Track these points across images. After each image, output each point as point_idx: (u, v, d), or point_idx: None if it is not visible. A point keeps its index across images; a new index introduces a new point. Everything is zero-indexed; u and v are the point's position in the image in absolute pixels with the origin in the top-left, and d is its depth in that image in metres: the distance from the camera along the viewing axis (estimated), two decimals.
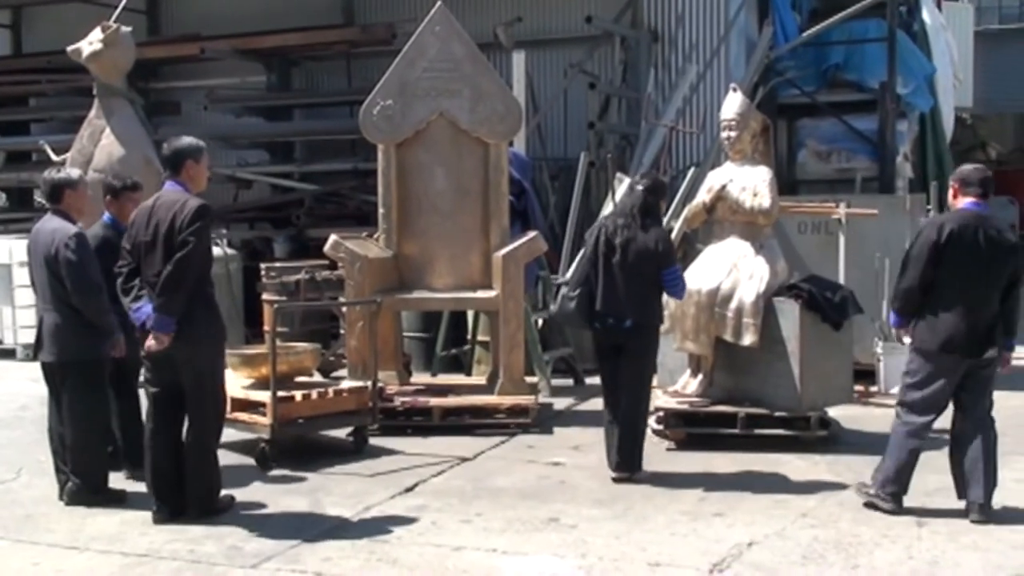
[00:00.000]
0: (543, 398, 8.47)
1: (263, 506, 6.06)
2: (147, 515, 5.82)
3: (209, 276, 5.82)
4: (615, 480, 6.43)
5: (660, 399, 7.47)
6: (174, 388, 5.77)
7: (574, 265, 6.59)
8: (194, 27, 13.82)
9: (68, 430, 6.09)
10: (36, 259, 6.16)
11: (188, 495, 5.79)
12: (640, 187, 6.61)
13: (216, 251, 9.74)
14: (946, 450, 6.99)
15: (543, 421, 7.95)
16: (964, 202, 5.82)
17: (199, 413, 5.81)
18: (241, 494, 6.22)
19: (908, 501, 5.94)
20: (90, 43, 9.78)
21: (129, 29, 9.99)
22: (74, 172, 6.41)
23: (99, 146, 9.81)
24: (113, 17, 10.07)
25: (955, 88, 15.13)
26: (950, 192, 5.98)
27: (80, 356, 6.05)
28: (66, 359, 6.06)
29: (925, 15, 12.82)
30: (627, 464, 6.44)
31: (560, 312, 6.81)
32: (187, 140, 5.96)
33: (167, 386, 5.78)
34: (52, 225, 6.12)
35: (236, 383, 7.36)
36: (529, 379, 8.22)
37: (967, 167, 6.02)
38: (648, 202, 6.54)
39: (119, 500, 6.11)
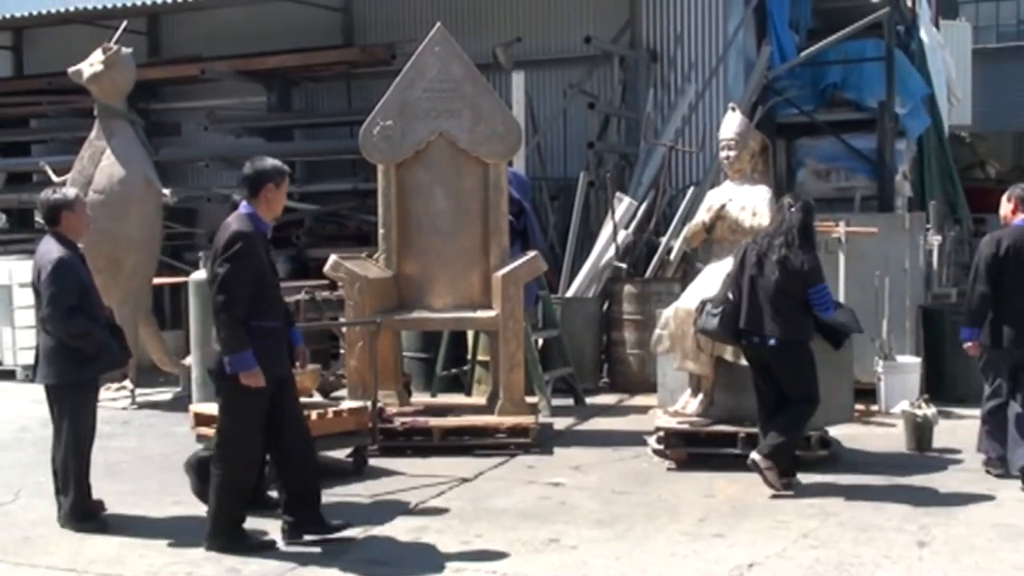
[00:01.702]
0: (543, 418, 8.45)
1: (263, 527, 6.03)
2: (146, 538, 5.81)
3: (262, 306, 5.60)
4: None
5: (660, 419, 7.47)
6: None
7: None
8: (194, 48, 13.87)
9: (57, 453, 6.11)
10: (32, 284, 6.18)
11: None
12: (796, 208, 6.67)
13: None
14: (951, 471, 7.00)
15: (543, 441, 7.93)
16: (1020, 218, 6.80)
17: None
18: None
19: (907, 524, 5.93)
20: (91, 64, 9.82)
21: (130, 50, 10.02)
22: (71, 192, 6.37)
23: (99, 167, 9.83)
24: (114, 39, 10.10)
25: (953, 106, 15.20)
26: (1008, 207, 6.88)
27: (65, 379, 6.03)
28: (53, 382, 6.06)
29: (922, 34, 12.88)
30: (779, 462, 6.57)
31: (702, 327, 6.88)
32: (271, 162, 5.78)
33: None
34: (42, 249, 6.12)
35: None
36: (529, 399, 8.21)
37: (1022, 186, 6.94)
38: (806, 223, 6.65)
39: (103, 527, 6.03)
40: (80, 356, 5.98)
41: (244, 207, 5.73)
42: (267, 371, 5.56)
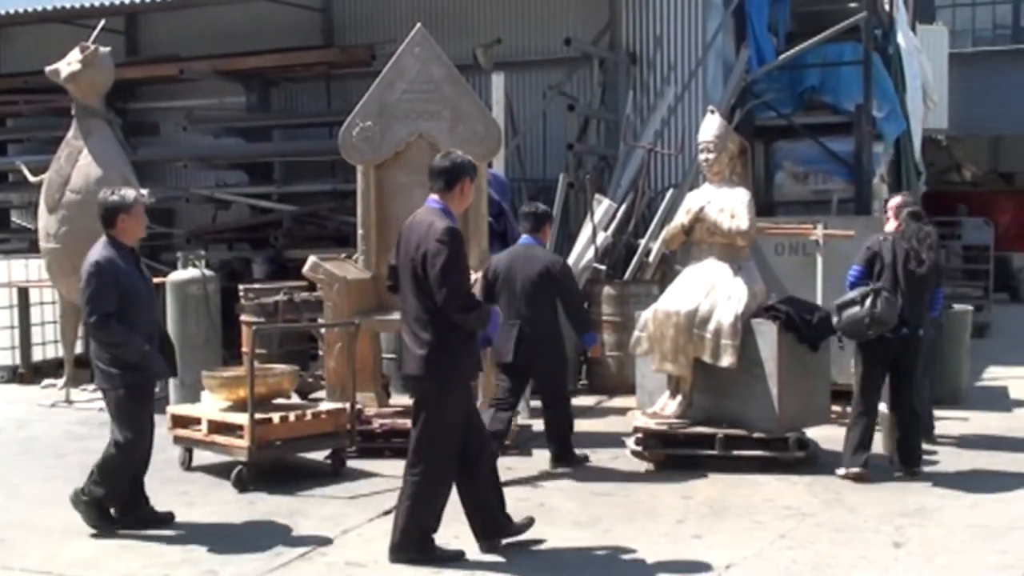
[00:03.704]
0: (522, 420, 8.45)
1: (240, 529, 6.02)
2: (123, 540, 5.78)
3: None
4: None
5: (639, 420, 7.48)
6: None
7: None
8: (173, 48, 13.82)
9: (105, 450, 5.98)
10: None
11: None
12: (919, 214, 7.28)
13: (194, 272, 9.77)
14: (927, 472, 7.06)
15: (522, 443, 7.93)
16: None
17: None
18: (218, 517, 6.18)
19: (883, 524, 5.97)
20: (68, 63, 9.77)
21: (108, 50, 9.98)
22: (129, 194, 6.02)
23: (76, 167, 9.78)
24: (92, 38, 10.05)
25: (930, 110, 15.30)
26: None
27: (106, 384, 5.88)
28: (102, 386, 5.94)
29: (900, 38, 12.95)
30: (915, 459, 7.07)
31: (884, 312, 6.89)
32: (466, 157, 5.56)
33: None
34: (89, 252, 5.92)
35: (213, 405, 7.32)
36: None
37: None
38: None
39: (106, 528, 5.93)
40: (121, 364, 5.80)
41: (435, 201, 5.41)
42: (473, 369, 5.48)
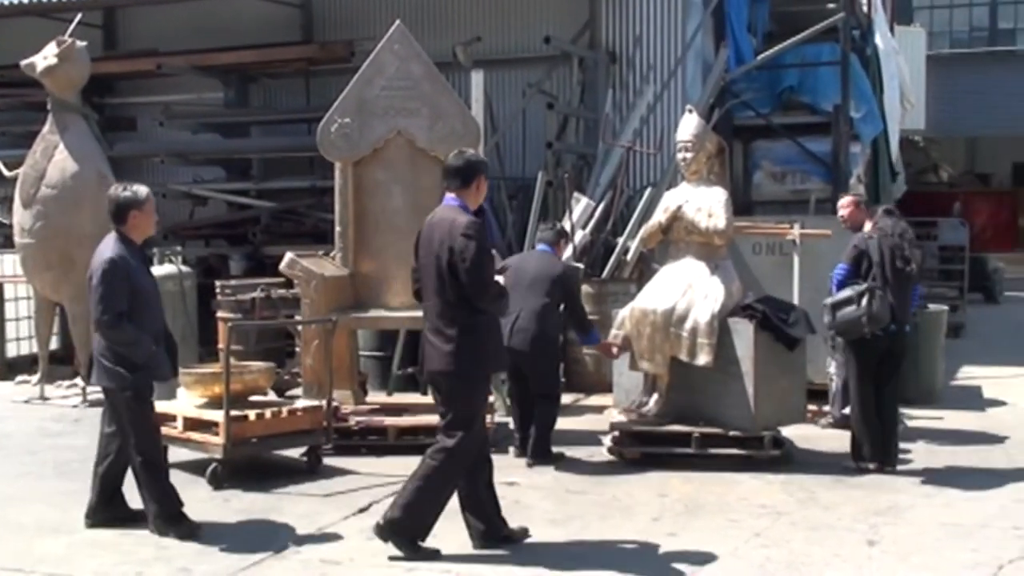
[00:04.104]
0: (498, 417, 8.45)
1: (215, 527, 5.99)
2: (96, 538, 5.74)
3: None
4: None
5: (615, 418, 7.50)
6: None
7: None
8: (151, 43, 13.73)
9: (117, 455, 5.89)
10: None
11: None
12: (891, 210, 7.52)
13: (171, 268, 9.72)
14: (900, 471, 7.12)
15: (498, 441, 7.91)
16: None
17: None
18: (192, 515, 6.14)
19: (856, 523, 6.00)
20: (44, 57, 9.70)
21: (84, 44, 9.91)
22: (141, 191, 5.90)
23: (52, 162, 9.72)
24: (68, 31, 9.98)
25: (907, 111, 15.39)
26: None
27: (113, 383, 5.76)
28: (105, 384, 5.83)
29: (877, 39, 13.02)
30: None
31: (879, 310, 6.99)
32: (479, 155, 5.85)
33: None
34: (99, 248, 5.82)
35: (189, 402, 7.28)
36: None
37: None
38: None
39: (192, 531, 5.83)
40: (129, 364, 5.70)
41: (452, 199, 5.51)
42: (498, 362, 5.70)
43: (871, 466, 7.10)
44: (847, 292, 7.06)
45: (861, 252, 7.21)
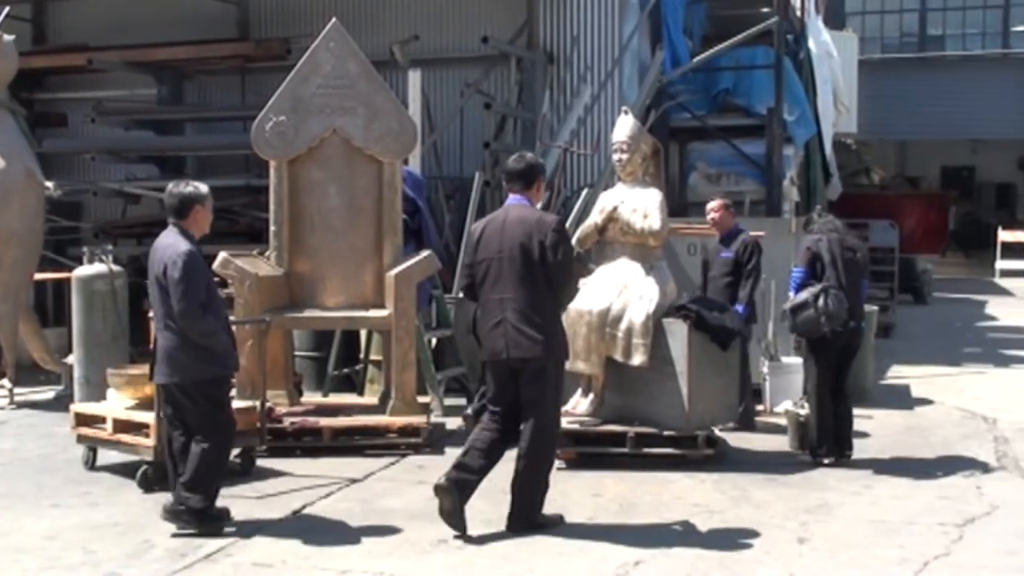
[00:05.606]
0: (435, 418, 8.44)
1: (145, 530, 5.90)
2: (21, 543, 5.61)
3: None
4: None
5: None
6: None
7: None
8: (82, 37, 13.47)
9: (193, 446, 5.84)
10: (151, 277, 5.85)
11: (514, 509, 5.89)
12: (826, 213, 7.93)
13: (101, 267, 9.55)
14: (831, 469, 7.23)
15: (435, 441, 7.91)
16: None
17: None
18: (122, 518, 6.05)
19: (787, 521, 6.08)
20: None
21: (12, 37, 9.71)
22: (203, 187, 6.00)
23: None
24: None
25: (841, 114, 15.64)
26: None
27: (195, 377, 5.73)
28: (180, 380, 5.76)
29: (811, 43, 13.22)
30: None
31: (835, 308, 7.16)
32: (537, 158, 6.27)
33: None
34: (166, 241, 5.82)
35: (119, 404, 7.16)
36: (421, 399, 8.18)
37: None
38: None
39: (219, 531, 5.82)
40: (203, 353, 5.71)
41: (520, 199, 5.97)
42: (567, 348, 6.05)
43: (826, 461, 7.32)
44: (804, 295, 7.27)
45: (814, 254, 7.41)
